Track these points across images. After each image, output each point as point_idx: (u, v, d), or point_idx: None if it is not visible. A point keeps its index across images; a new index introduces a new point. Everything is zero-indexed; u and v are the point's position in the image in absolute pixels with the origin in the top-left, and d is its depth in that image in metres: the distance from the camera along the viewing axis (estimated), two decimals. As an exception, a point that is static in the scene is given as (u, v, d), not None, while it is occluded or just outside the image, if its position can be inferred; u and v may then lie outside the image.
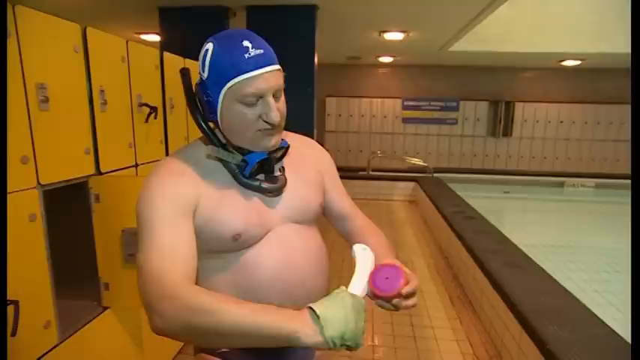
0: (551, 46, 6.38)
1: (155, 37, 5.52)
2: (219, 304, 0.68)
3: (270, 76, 0.82)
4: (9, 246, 1.19)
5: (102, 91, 1.67)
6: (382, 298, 0.81)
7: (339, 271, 3.53)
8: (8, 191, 1.23)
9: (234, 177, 0.87)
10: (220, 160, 0.87)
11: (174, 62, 2.26)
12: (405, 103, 8.69)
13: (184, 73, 0.90)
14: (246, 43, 0.81)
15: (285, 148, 0.93)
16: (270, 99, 0.83)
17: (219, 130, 0.90)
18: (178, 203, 0.81)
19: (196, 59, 0.88)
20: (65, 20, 1.48)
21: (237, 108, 0.83)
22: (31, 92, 1.32)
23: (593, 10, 5.93)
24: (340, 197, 1.10)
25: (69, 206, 1.69)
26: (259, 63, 0.81)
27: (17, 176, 1.28)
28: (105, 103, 1.69)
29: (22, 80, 1.29)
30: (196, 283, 0.78)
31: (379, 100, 8.73)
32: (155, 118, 2.04)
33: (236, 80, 0.80)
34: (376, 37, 5.66)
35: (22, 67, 1.28)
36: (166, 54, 2.19)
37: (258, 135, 0.85)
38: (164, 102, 2.18)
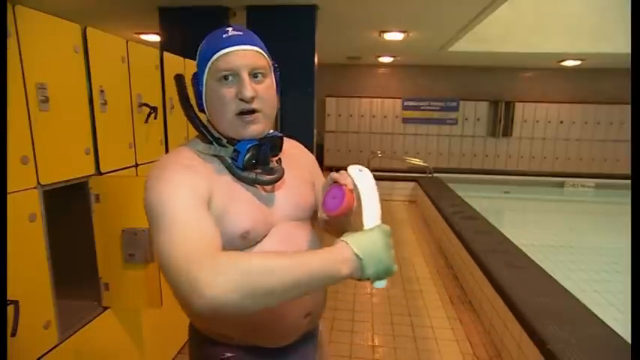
0: (551, 47, 6.38)
1: (155, 37, 5.52)
2: (274, 262, 0.69)
3: (245, 53, 0.84)
4: (9, 246, 1.19)
5: (102, 91, 1.67)
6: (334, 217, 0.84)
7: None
8: (8, 191, 1.23)
9: (231, 171, 0.87)
10: (216, 156, 0.88)
11: (175, 62, 2.26)
12: (405, 104, 8.69)
13: (179, 79, 0.92)
14: (227, 29, 0.86)
15: (279, 138, 0.93)
16: (245, 76, 0.83)
17: (212, 125, 0.91)
18: (196, 193, 0.80)
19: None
20: (65, 20, 1.48)
21: (215, 87, 0.85)
22: (31, 92, 1.32)
23: (593, 11, 5.93)
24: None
25: (69, 206, 1.69)
26: (235, 41, 0.84)
27: (17, 176, 1.28)
28: (105, 103, 1.69)
29: (22, 80, 1.29)
30: None
31: (379, 100, 8.74)
32: (155, 118, 2.04)
33: (213, 58, 0.84)
34: (376, 37, 5.66)
35: (22, 67, 1.28)
36: (166, 54, 2.19)
37: (238, 122, 0.85)
38: (164, 102, 2.18)
